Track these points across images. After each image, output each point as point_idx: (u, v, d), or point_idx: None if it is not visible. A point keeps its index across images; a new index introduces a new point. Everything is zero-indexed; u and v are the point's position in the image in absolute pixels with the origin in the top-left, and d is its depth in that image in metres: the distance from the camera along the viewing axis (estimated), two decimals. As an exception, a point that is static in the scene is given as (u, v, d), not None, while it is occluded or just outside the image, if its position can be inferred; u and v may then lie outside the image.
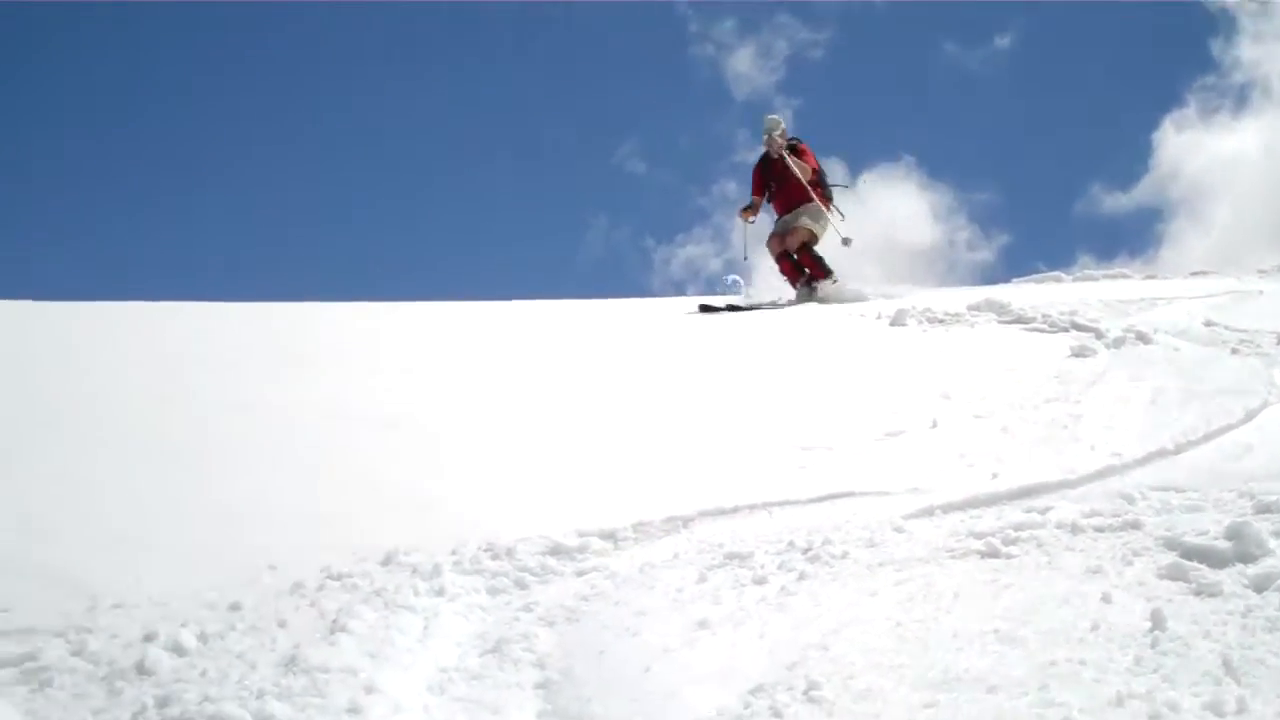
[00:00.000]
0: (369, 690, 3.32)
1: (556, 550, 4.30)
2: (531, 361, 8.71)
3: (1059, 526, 4.22)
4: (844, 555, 4.06)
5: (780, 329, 10.05)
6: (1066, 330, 8.56)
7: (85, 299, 12.98)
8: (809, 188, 13.15)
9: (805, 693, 3.10)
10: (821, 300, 12.52)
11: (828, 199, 13.43)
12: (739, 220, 13.73)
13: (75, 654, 3.69)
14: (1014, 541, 4.09)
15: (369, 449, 6.07)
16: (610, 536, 4.42)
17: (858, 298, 12.17)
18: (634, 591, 3.95)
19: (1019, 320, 9.17)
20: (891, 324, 9.53)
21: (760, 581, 3.91)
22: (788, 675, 3.21)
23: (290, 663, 3.50)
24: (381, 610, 3.85)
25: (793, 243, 13.19)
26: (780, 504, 4.73)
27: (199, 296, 12.82)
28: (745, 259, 13.95)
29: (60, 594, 4.20)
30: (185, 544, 4.68)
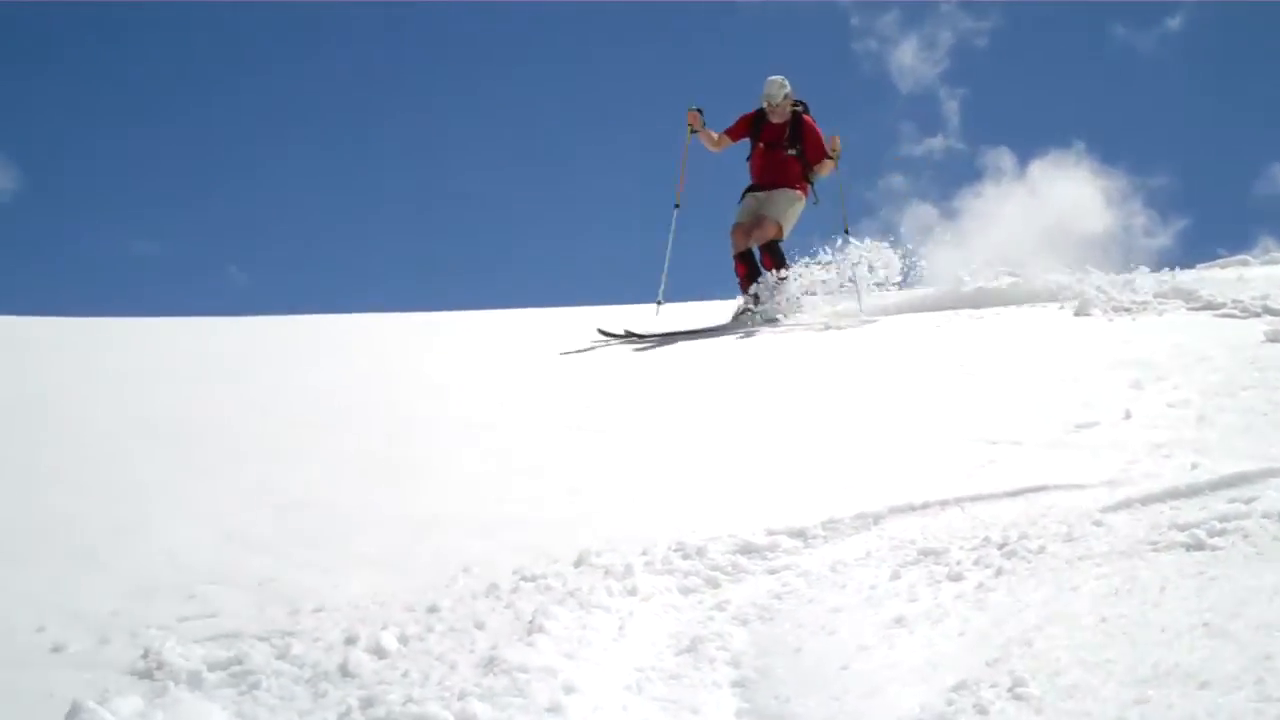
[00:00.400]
0: (568, 690, 3.33)
1: (747, 549, 4.29)
2: (708, 363, 8.71)
3: (1266, 516, 4.05)
4: (1041, 550, 3.96)
5: (959, 321, 9.89)
6: (1259, 315, 8.28)
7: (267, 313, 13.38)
8: (799, 179, 11.82)
9: (1010, 689, 3.02)
10: (762, 313, 11.24)
11: (810, 182, 11.93)
12: (689, 126, 12.04)
13: (280, 657, 3.79)
14: (1219, 533, 3.94)
15: (557, 454, 6.14)
16: (800, 535, 4.39)
17: (791, 309, 11.26)
18: (827, 589, 3.91)
19: (1208, 306, 8.90)
20: (1076, 314, 9.33)
21: (956, 578, 3.83)
22: (991, 672, 3.14)
23: (490, 663, 3.54)
24: (576, 611, 3.88)
25: (760, 237, 11.60)
26: (972, 499, 4.64)
27: (382, 307, 13.02)
28: (676, 206, 12.38)
29: (263, 599, 4.33)
30: (381, 548, 4.79)
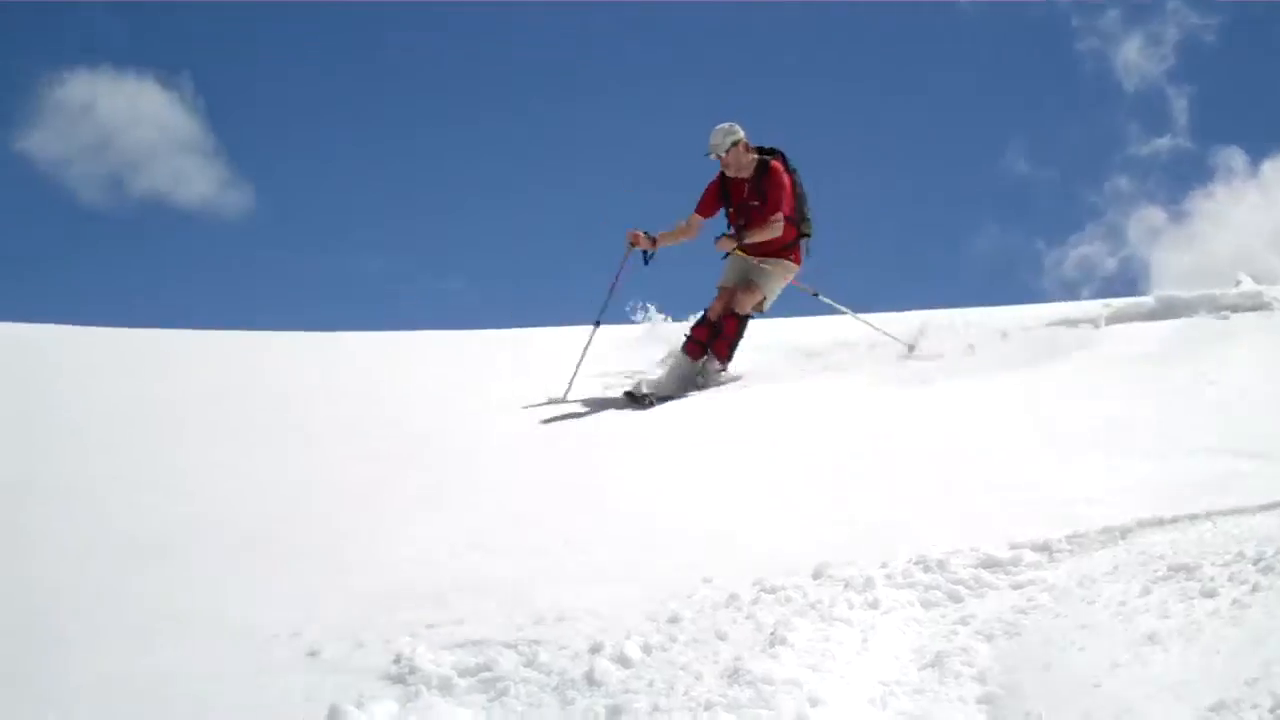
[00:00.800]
0: (814, 703, 3.35)
1: (989, 563, 4.24)
2: (927, 372, 8.58)
3: None
4: (1299, 566, 3.83)
5: (1195, 328, 9.56)
6: None
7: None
8: (793, 249, 9.53)
9: (1272, 710, 2.93)
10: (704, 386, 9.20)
11: (798, 243, 9.62)
12: (629, 243, 9.50)
13: (527, 665, 3.89)
14: None
15: (782, 466, 6.15)
16: (1044, 549, 4.31)
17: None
18: (1074, 605, 3.84)
19: None
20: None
21: (1209, 594, 3.71)
22: (1250, 692, 3.05)
23: (734, 674, 3.57)
24: (817, 623, 3.89)
25: (745, 303, 9.36)
26: (1223, 513, 4.47)
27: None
28: (598, 324, 9.67)
29: (508, 607, 4.44)
30: (620, 560, 4.86)
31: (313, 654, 4.21)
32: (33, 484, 6.74)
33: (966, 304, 12.73)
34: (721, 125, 9.39)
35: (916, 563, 4.30)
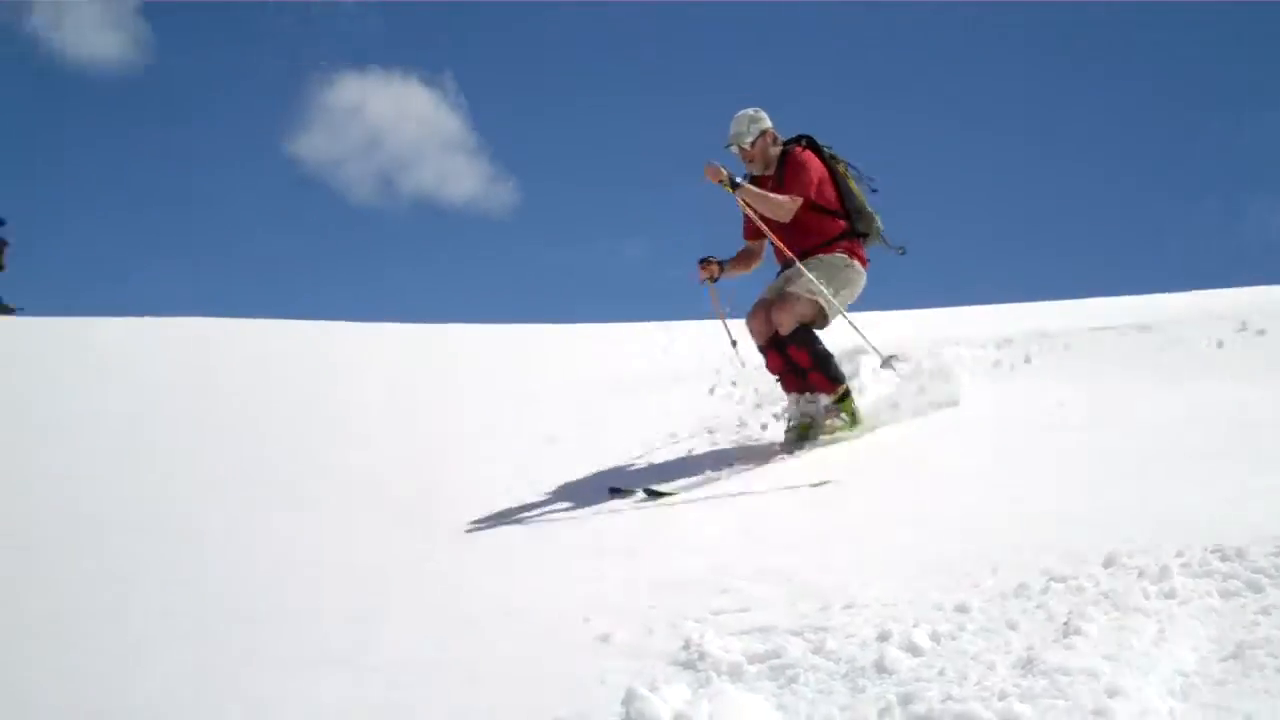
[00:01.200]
0: (1112, 694, 3.29)
1: (1292, 552, 4.09)
2: (1196, 364, 8.29)
3: None
4: None
5: None
6: None
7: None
8: (838, 239, 7.81)
9: None
10: (817, 436, 7.61)
11: (853, 238, 7.88)
12: (701, 278, 7.96)
13: (815, 652, 3.92)
14: None
15: (1056, 451, 6.06)
16: (1350, 536, 4.14)
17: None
18: (1385, 595, 3.69)
19: None
20: None
21: None
22: None
23: (1027, 664, 3.53)
24: (1111, 613, 3.81)
25: (784, 321, 7.62)
26: None
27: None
28: (735, 345, 8.21)
29: (793, 594, 4.50)
30: (901, 549, 4.87)
31: (603, 639, 4.34)
32: (333, 469, 7.13)
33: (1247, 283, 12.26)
34: (745, 111, 7.82)
35: (1213, 551, 4.16)
